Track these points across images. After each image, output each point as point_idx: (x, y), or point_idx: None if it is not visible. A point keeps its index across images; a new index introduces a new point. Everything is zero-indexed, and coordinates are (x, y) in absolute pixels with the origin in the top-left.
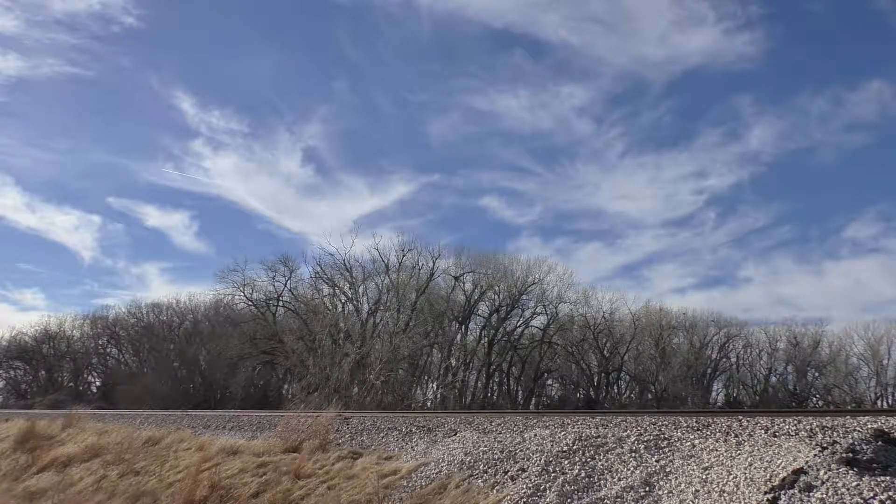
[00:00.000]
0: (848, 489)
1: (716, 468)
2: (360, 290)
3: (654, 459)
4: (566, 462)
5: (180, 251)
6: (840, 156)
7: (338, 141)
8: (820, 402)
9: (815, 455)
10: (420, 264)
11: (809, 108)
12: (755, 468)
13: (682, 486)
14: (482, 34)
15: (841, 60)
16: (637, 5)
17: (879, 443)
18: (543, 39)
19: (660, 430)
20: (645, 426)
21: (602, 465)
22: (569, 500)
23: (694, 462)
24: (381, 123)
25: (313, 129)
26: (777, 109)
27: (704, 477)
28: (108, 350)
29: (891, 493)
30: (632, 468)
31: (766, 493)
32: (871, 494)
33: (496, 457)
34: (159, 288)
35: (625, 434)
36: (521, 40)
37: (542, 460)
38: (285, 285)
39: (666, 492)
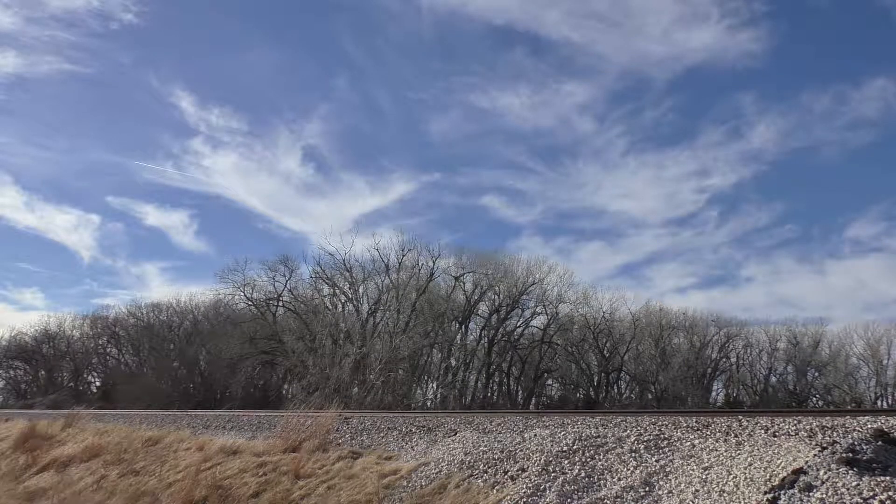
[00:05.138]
0: (848, 489)
1: (716, 468)
2: (360, 290)
3: (654, 459)
4: (566, 462)
5: (180, 250)
6: (843, 154)
7: (338, 139)
8: (820, 402)
9: (815, 455)
10: (420, 264)
11: (813, 106)
12: (755, 468)
13: (682, 485)
14: (483, 31)
15: (845, 58)
16: (639, 2)
17: (879, 443)
18: (545, 37)
19: (660, 430)
20: (645, 426)
21: (602, 465)
22: (569, 500)
23: (694, 462)
24: (382, 121)
25: (313, 127)
26: (780, 107)
27: (704, 477)
28: (108, 350)
29: (891, 493)
30: (632, 468)
31: (765, 492)
32: (871, 494)
33: (496, 457)
34: (159, 288)
35: (625, 434)
36: (522, 37)
37: (542, 460)
38: (285, 285)
39: (666, 492)
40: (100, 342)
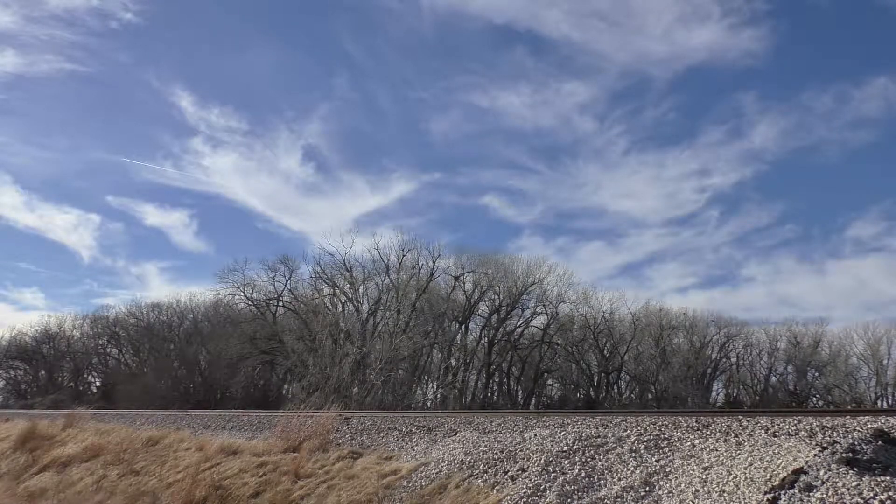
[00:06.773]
0: (848, 489)
1: (716, 468)
2: (360, 290)
3: (654, 459)
4: (566, 462)
5: (180, 250)
6: (844, 154)
7: (338, 139)
8: (820, 402)
9: (815, 455)
10: (420, 264)
11: (814, 105)
12: (755, 468)
13: (682, 486)
14: (484, 30)
15: (845, 57)
16: (640, 1)
17: (879, 443)
18: (545, 36)
19: (660, 430)
20: (645, 426)
21: (602, 465)
22: (569, 500)
23: (694, 462)
24: (382, 121)
25: (313, 126)
26: (781, 107)
27: (704, 477)
28: (108, 350)
29: (891, 493)
30: (632, 468)
31: (766, 492)
32: (871, 494)
33: (496, 457)
34: (159, 287)
35: (625, 434)
36: (523, 37)
37: (542, 460)
38: (285, 285)
39: (666, 492)
40: (100, 342)
